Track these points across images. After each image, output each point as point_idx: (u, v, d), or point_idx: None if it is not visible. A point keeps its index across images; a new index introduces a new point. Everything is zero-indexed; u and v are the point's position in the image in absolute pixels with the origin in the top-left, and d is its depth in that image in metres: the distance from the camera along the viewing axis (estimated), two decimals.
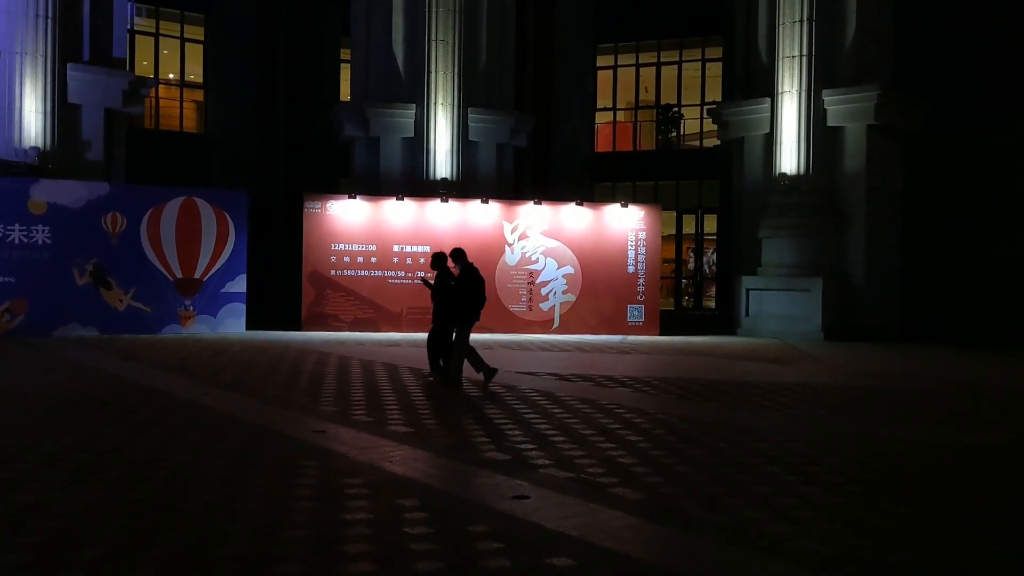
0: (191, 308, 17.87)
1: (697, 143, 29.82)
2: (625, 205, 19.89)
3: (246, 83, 27.18)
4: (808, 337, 19.15)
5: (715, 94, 28.72)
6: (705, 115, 29.17)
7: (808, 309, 19.48)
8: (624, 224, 19.74)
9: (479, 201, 19.53)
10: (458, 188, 20.76)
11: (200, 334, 17.64)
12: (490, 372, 11.04)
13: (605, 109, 30.74)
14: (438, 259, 11.38)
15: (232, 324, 18.22)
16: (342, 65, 27.51)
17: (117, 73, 19.18)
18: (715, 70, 29.02)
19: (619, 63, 30.50)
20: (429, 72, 20.92)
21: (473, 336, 11.17)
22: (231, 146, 26.86)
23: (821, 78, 19.80)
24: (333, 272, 18.97)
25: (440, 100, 21.06)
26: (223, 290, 18.14)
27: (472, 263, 11.19)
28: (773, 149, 20.38)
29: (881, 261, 20.21)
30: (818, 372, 13.75)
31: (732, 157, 22.41)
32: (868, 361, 15.56)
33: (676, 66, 29.88)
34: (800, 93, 19.86)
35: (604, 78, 30.63)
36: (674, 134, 30.24)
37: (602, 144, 30.86)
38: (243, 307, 18.38)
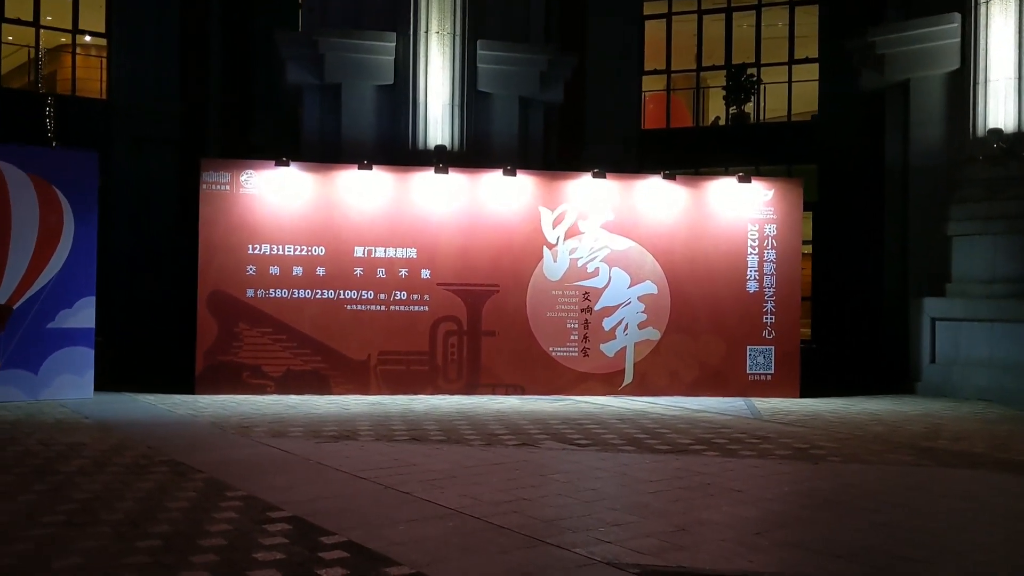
0: None
1: (784, 115, 22.11)
2: (745, 179, 12.05)
3: (166, 31, 19.80)
4: None
5: (809, 50, 21.18)
6: (793, 77, 21.71)
7: None
8: (741, 211, 11.93)
9: (500, 172, 11.78)
10: (461, 162, 13.09)
11: (1, 404, 9.85)
12: None
13: (655, 72, 23.07)
14: None
15: (68, 386, 10.41)
16: (300, 12, 20.12)
17: None
18: (807, 23, 21.45)
19: (674, 10, 22.90)
20: None
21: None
22: (145, 116, 19.49)
23: None
24: (250, 292, 11.15)
25: (434, 27, 13.52)
26: (51, 326, 10.31)
27: None
28: (969, 93, 12.69)
29: None
30: None
31: (886, 109, 14.65)
32: None
33: (754, 12, 22.26)
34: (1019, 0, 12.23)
35: (654, 31, 22.99)
36: (751, 105, 22.52)
37: (651, 119, 23.21)
38: (89, 355, 10.59)
